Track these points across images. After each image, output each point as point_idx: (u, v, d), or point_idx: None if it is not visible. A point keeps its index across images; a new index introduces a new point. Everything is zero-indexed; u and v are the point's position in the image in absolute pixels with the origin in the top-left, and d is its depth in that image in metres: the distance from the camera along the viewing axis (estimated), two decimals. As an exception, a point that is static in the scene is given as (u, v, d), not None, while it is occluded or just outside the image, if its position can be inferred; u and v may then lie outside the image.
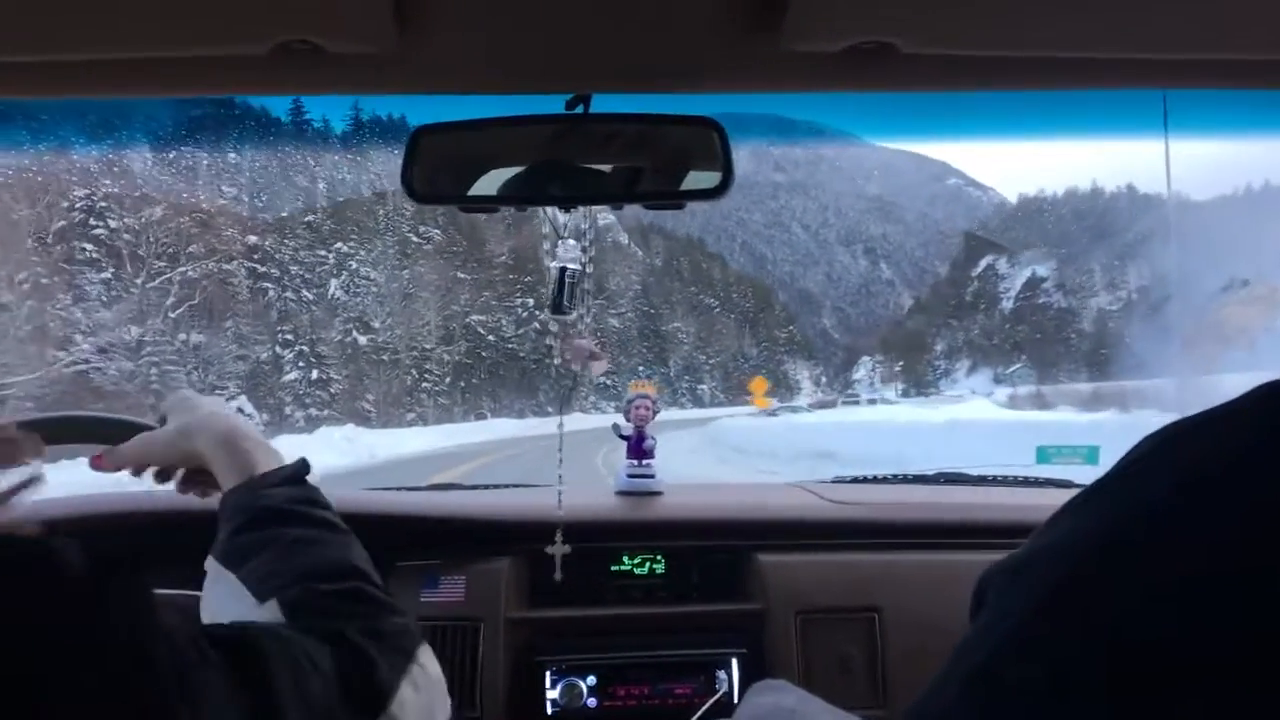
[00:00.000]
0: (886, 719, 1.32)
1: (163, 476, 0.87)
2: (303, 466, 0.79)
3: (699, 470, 14.25)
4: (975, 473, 1.89)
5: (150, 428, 0.85)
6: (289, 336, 42.31)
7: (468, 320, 55.38)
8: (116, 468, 0.85)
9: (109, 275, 35.53)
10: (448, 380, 51.37)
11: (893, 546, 1.47)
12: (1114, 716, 0.33)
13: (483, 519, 1.48)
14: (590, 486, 1.71)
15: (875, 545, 1.47)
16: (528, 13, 0.80)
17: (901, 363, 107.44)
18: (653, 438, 1.64)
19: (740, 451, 18.61)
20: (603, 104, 0.93)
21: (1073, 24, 0.78)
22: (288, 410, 39.04)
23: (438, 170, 0.98)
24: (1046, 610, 0.37)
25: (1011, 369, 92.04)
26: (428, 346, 51.07)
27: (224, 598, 0.69)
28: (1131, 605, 0.34)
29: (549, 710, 1.34)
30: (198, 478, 0.84)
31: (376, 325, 48.64)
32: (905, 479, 1.90)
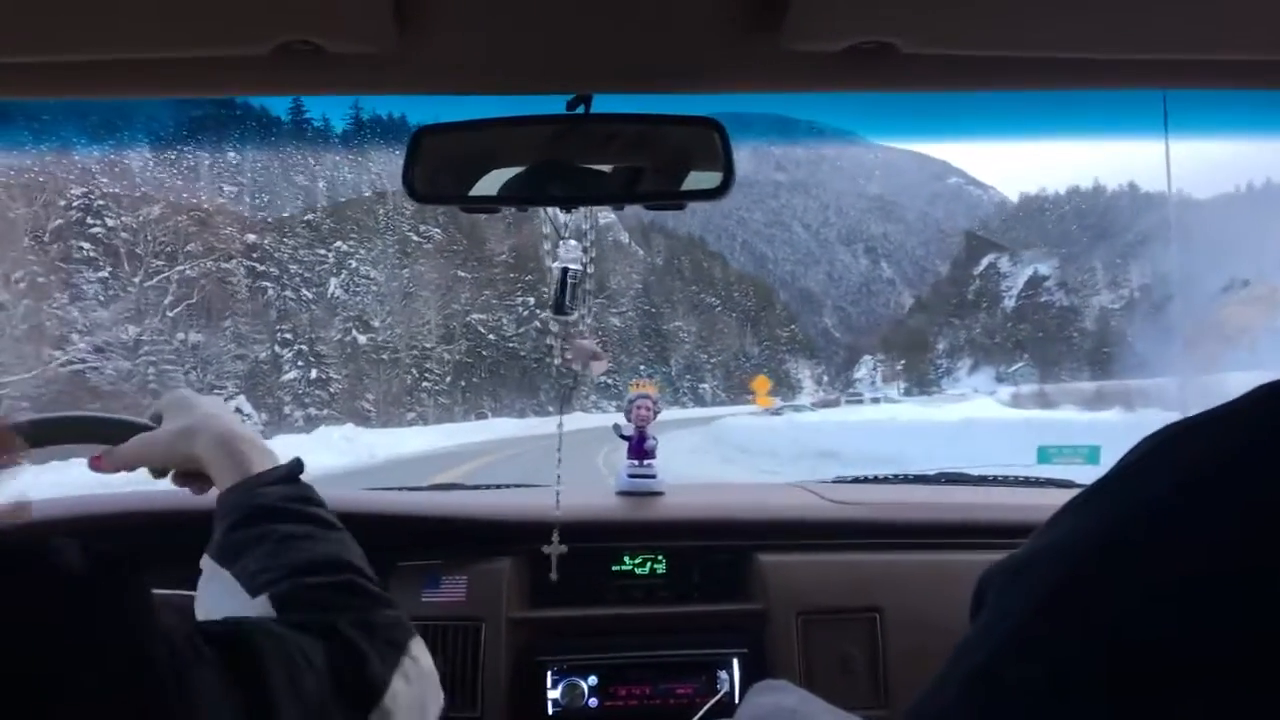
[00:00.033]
0: (888, 719, 1.32)
1: (159, 474, 0.87)
2: (296, 466, 0.80)
3: (703, 470, 14.25)
4: (976, 473, 1.89)
5: (149, 427, 0.85)
6: (288, 336, 42.27)
7: (468, 319, 55.35)
8: (115, 469, 0.86)
9: (106, 274, 35.45)
10: (448, 379, 51.33)
11: (894, 546, 1.47)
12: (1114, 716, 0.33)
13: (484, 519, 1.48)
14: (591, 486, 1.71)
15: (876, 545, 1.47)
16: (528, 13, 0.80)
17: (903, 361, 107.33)
18: (654, 438, 1.64)
19: (745, 451, 18.59)
20: (603, 104, 0.94)
21: (1073, 24, 0.78)
22: (287, 410, 39.00)
23: (439, 170, 0.98)
24: (1046, 610, 0.37)
25: (1014, 368, 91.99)
26: (428, 345, 51.04)
27: (218, 594, 0.70)
28: (1131, 605, 0.34)
29: (550, 710, 1.34)
30: (193, 476, 0.85)
31: (376, 324, 48.60)
32: (906, 479, 1.90)
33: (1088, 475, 0.57)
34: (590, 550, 1.43)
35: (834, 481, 1.85)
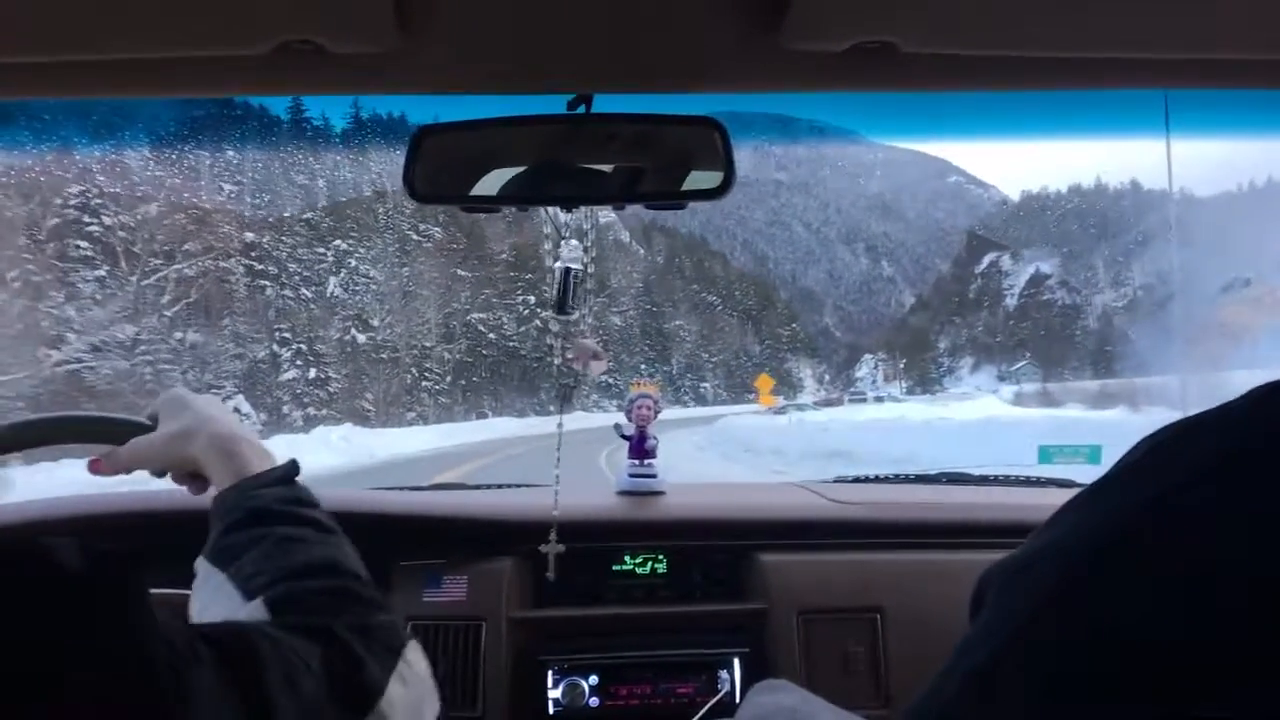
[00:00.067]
0: (888, 719, 1.32)
1: (159, 474, 0.88)
2: (292, 467, 0.80)
3: (706, 469, 14.22)
4: (977, 472, 1.89)
5: (148, 426, 0.85)
6: (287, 335, 42.20)
7: (468, 318, 55.32)
8: (114, 473, 0.86)
9: (103, 273, 35.32)
10: (448, 379, 51.28)
11: (895, 546, 1.47)
12: (1114, 716, 0.33)
13: (485, 519, 1.49)
14: (593, 487, 1.71)
15: (877, 545, 1.47)
16: (529, 13, 0.80)
17: (905, 360, 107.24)
18: (654, 437, 1.64)
19: (749, 450, 18.53)
20: (604, 104, 0.93)
21: (1073, 24, 0.78)
22: (285, 410, 38.94)
23: (440, 170, 0.98)
24: (1047, 610, 0.37)
25: (1016, 366, 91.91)
26: (428, 345, 50.97)
27: (212, 596, 0.70)
28: (1132, 605, 0.34)
29: (551, 710, 1.34)
30: (192, 476, 0.85)
31: (376, 323, 48.54)
32: (907, 479, 1.90)
33: (1089, 475, 0.57)
34: (591, 550, 1.43)
35: (835, 481, 1.85)
